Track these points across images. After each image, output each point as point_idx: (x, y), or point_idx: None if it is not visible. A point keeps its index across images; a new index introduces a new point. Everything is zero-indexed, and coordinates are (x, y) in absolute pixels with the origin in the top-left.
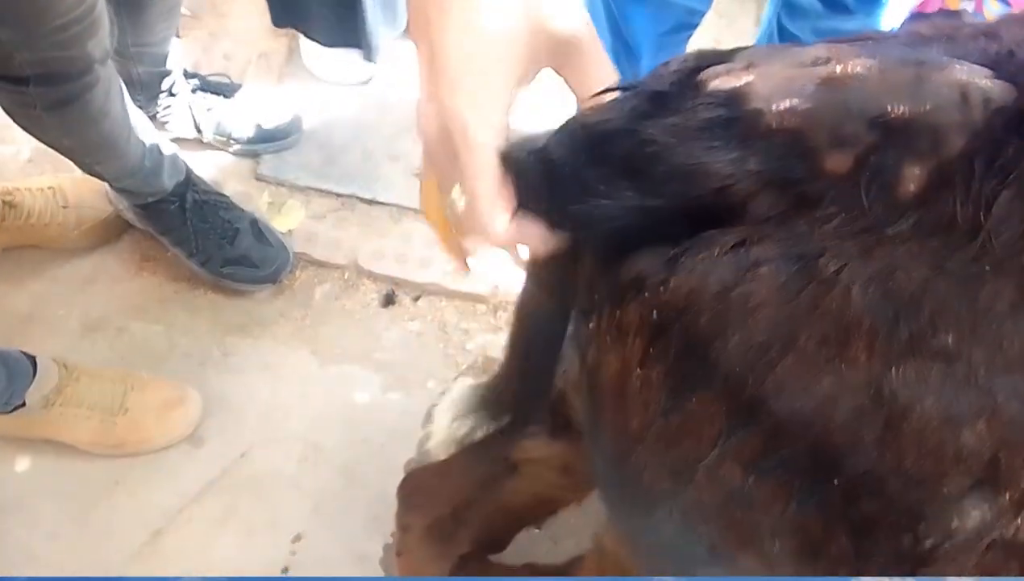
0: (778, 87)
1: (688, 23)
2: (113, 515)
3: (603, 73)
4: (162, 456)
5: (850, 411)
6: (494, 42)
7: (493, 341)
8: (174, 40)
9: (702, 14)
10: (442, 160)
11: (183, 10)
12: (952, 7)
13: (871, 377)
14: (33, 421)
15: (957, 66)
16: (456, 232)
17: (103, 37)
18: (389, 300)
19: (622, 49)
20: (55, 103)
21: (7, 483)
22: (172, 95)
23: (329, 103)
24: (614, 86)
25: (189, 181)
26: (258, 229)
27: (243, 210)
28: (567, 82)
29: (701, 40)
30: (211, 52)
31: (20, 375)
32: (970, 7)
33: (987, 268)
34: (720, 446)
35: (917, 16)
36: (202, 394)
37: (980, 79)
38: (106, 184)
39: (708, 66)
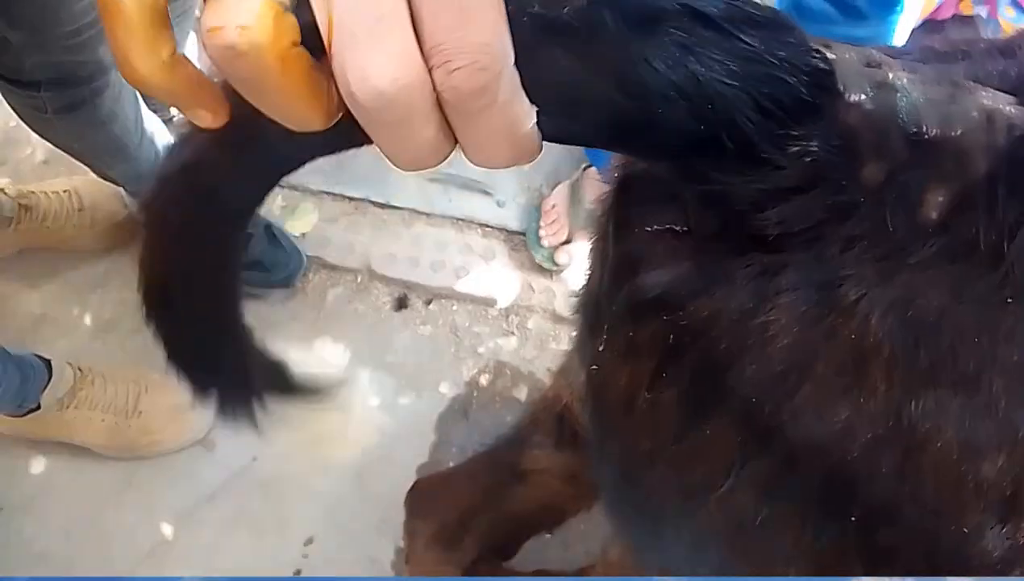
0: (855, 76)
1: None
2: (125, 516)
3: None
4: (174, 458)
5: (868, 440)
6: None
7: (505, 345)
8: (190, 41)
9: None
10: None
11: (198, 13)
12: (966, 12)
13: (890, 406)
14: (47, 423)
15: (983, 92)
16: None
17: None
18: (401, 303)
19: None
20: (65, 107)
21: (21, 484)
22: None
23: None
24: None
25: None
26: (271, 233)
27: (257, 215)
28: None
29: None
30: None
31: (35, 378)
32: (984, 12)
33: (1009, 297)
34: (734, 474)
35: (930, 23)
36: (208, 420)
37: (1005, 105)
38: (121, 188)
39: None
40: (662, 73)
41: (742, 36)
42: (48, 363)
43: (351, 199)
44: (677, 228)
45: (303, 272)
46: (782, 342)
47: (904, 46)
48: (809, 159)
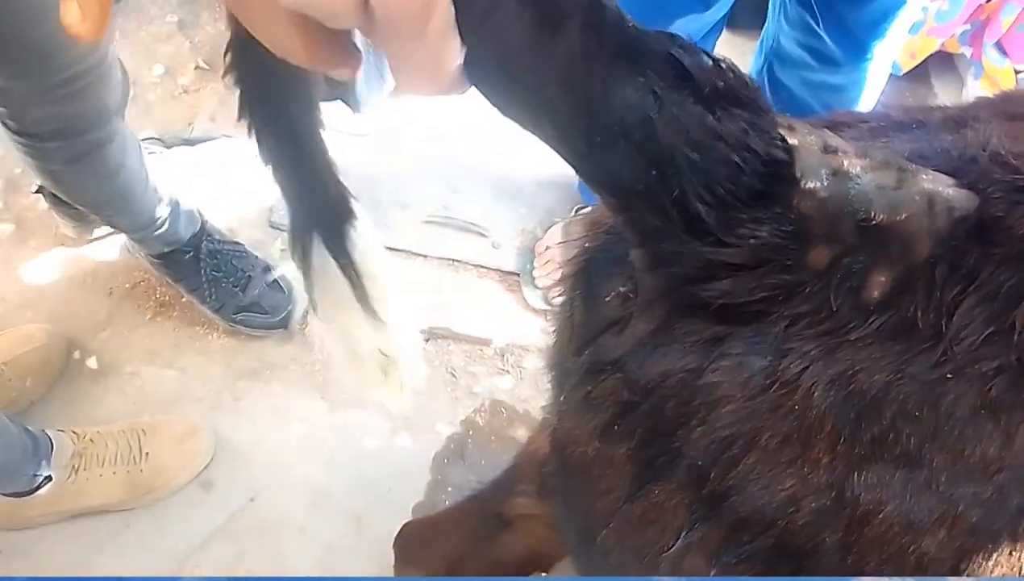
0: (812, 165)
1: None
2: (122, 560)
3: None
4: (172, 500)
5: (812, 513)
6: None
7: (501, 384)
8: None
9: None
10: None
11: (202, 63)
12: (951, 51)
13: (833, 479)
14: (62, 494)
15: (923, 175)
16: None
17: (115, 89)
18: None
19: None
20: (72, 158)
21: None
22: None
23: (340, 153)
24: None
25: (204, 231)
26: (270, 276)
27: (256, 258)
28: None
29: None
30: (227, 104)
31: (41, 446)
32: (968, 53)
33: (948, 374)
34: (683, 537)
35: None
36: (212, 439)
37: (944, 188)
38: (126, 239)
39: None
40: (616, 108)
41: (716, 109)
42: (45, 434)
43: None
44: (631, 294)
45: (301, 315)
46: (726, 407)
47: (862, 113)
48: (757, 242)
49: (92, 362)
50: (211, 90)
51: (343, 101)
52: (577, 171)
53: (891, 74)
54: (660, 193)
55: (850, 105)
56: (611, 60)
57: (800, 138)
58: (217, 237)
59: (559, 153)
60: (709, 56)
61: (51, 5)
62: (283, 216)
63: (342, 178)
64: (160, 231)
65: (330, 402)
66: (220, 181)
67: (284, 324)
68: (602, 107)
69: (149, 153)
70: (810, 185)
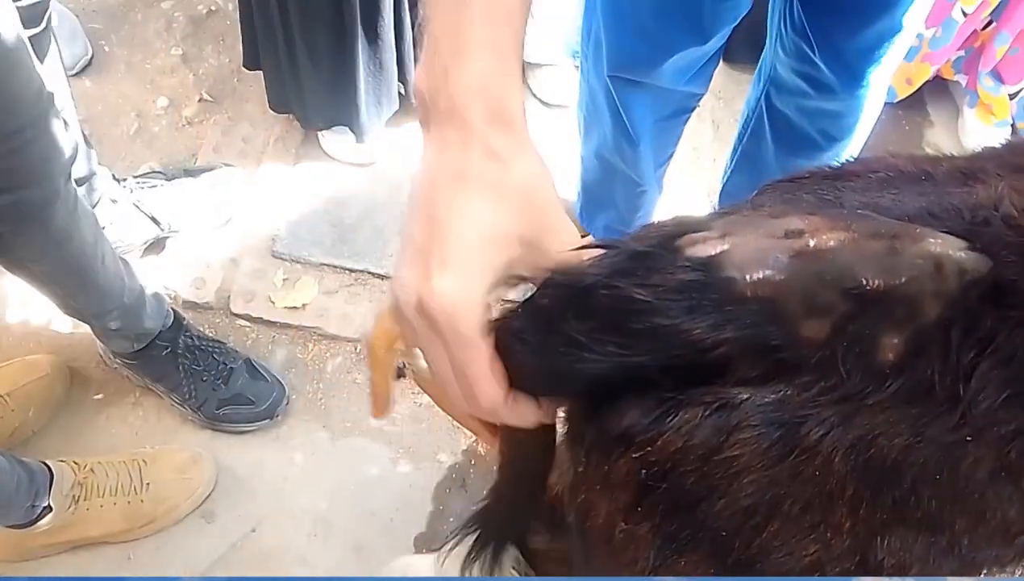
0: (751, 258)
1: (686, 107)
2: None
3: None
4: (173, 531)
5: (836, 577)
6: (495, 238)
7: None
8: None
9: (700, 97)
10: (416, 326)
11: (205, 95)
12: (947, 77)
13: (856, 544)
14: (63, 524)
15: (931, 239)
16: (425, 391)
17: (62, 148)
18: (399, 373)
19: (622, 134)
20: (16, 217)
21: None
22: (113, 202)
23: (342, 182)
24: (597, 244)
25: (180, 326)
26: (252, 367)
27: (236, 351)
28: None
29: (699, 121)
30: (230, 135)
31: (40, 477)
32: (963, 81)
33: (967, 437)
34: None
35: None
36: (214, 468)
37: (955, 251)
38: (97, 340)
39: (687, 232)
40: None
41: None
42: (44, 463)
43: (351, 271)
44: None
45: (286, 403)
46: (748, 477)
47: (872, 162)
48: (730, 343)
49: (95, 392)
50: (214, 122)
51: (347, 129)
52: None
53: (887, 102)
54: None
55: (847, 131)
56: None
57: (734, 241)
58: (195, 333)
59: None
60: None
61: None
62: (285, 245)
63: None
64: (124, 318)
65: (331, 431)
66: (222, 211)
67: (269, 414)
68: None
69: (150, 187)
70: (755, 276)
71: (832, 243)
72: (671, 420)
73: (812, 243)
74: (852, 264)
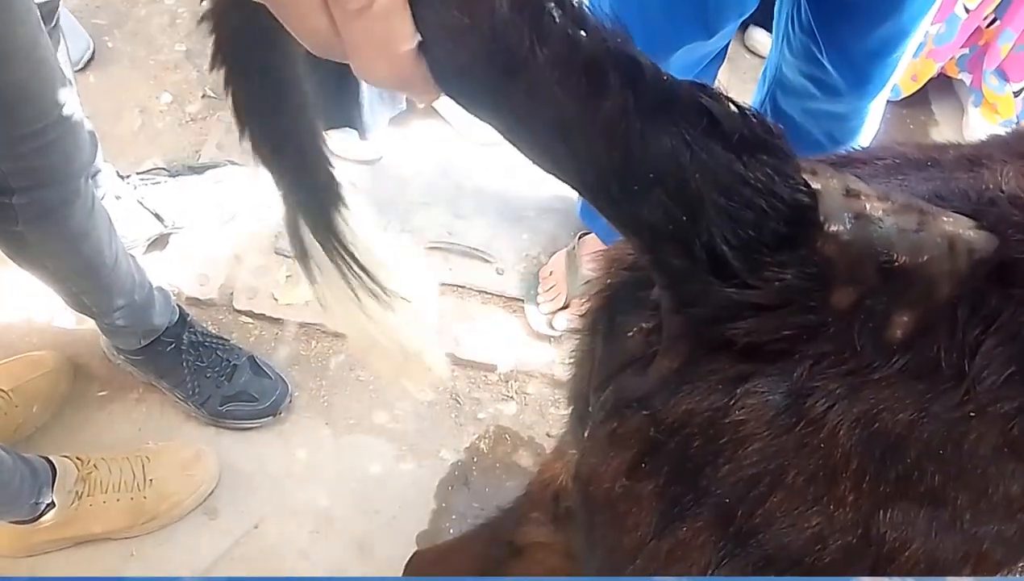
0: (836, 211)
1: None
2: None
3: None
4: (177, 527)
5: (839, 550)
6: None
7: (505, 410)
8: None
9: None
10: None
11: (209, 92)
12: (951, 75)
13: (859, 517)
14: (65, 520)
15: (944, 217)
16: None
17: (83, 147)
18: None
19: None
20: (36, 216)
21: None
22: (117, 198)
23: (346, 180)
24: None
25: (185, 322)
26: (255, 363)
27: (240, 348)
28: None
29: None
30: (234, 132)
31: (42, 473)
32: (967, 80)
33: (971, 413)
34: (711, 572)
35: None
36: (217, 464)
37: (965, 230)
38: (101, 336)
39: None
40: (653, 158)
41: (743, 155)
42: (47, 459)
43: None
44: (654, 331)
45: (289, 400)
46: (753, 445)
47: (877, 150)
48: (781, 284)
49: (98, 388)
50: (218, 118)
51: (350, 128)
52: (607, 215)
53: (890, 99)
54: (688, 236)
55: (852, 133)
56: (650, 114)
57: (823, 182)
58: (199, 329)
59: (589, 199)
60: (736, 104)
61: (16, 53)
62: (288, 242)
63: (333, 164)
64: (133, 315)
65: (334, 427)
66: (225, 208)
67: (272, 411)
68: (641, 158)
69: (154, 183)
70: (833, 229)
71: (880, 211)
72: (686, 385)
73: (868, 207)
74: (892, 237)
